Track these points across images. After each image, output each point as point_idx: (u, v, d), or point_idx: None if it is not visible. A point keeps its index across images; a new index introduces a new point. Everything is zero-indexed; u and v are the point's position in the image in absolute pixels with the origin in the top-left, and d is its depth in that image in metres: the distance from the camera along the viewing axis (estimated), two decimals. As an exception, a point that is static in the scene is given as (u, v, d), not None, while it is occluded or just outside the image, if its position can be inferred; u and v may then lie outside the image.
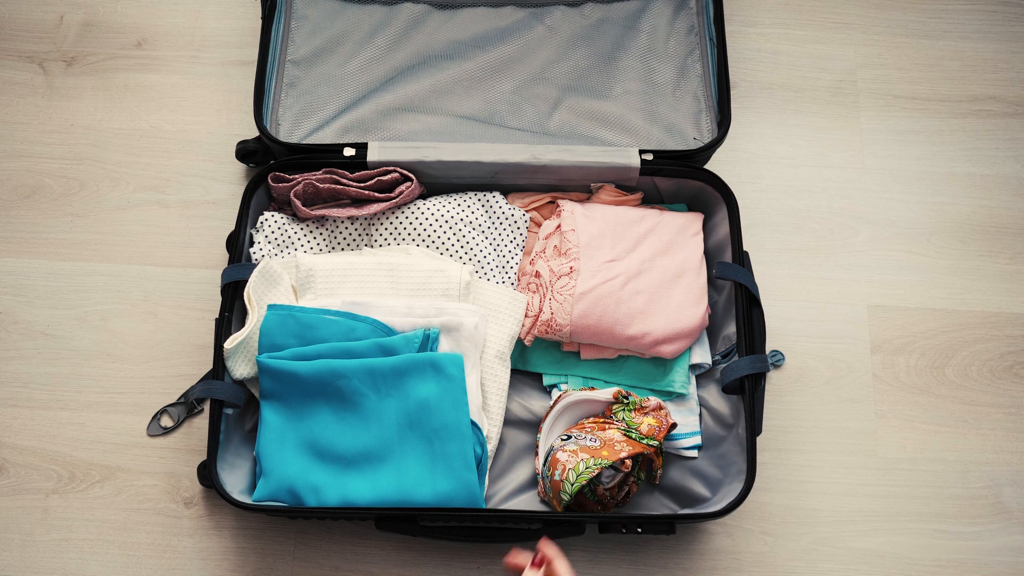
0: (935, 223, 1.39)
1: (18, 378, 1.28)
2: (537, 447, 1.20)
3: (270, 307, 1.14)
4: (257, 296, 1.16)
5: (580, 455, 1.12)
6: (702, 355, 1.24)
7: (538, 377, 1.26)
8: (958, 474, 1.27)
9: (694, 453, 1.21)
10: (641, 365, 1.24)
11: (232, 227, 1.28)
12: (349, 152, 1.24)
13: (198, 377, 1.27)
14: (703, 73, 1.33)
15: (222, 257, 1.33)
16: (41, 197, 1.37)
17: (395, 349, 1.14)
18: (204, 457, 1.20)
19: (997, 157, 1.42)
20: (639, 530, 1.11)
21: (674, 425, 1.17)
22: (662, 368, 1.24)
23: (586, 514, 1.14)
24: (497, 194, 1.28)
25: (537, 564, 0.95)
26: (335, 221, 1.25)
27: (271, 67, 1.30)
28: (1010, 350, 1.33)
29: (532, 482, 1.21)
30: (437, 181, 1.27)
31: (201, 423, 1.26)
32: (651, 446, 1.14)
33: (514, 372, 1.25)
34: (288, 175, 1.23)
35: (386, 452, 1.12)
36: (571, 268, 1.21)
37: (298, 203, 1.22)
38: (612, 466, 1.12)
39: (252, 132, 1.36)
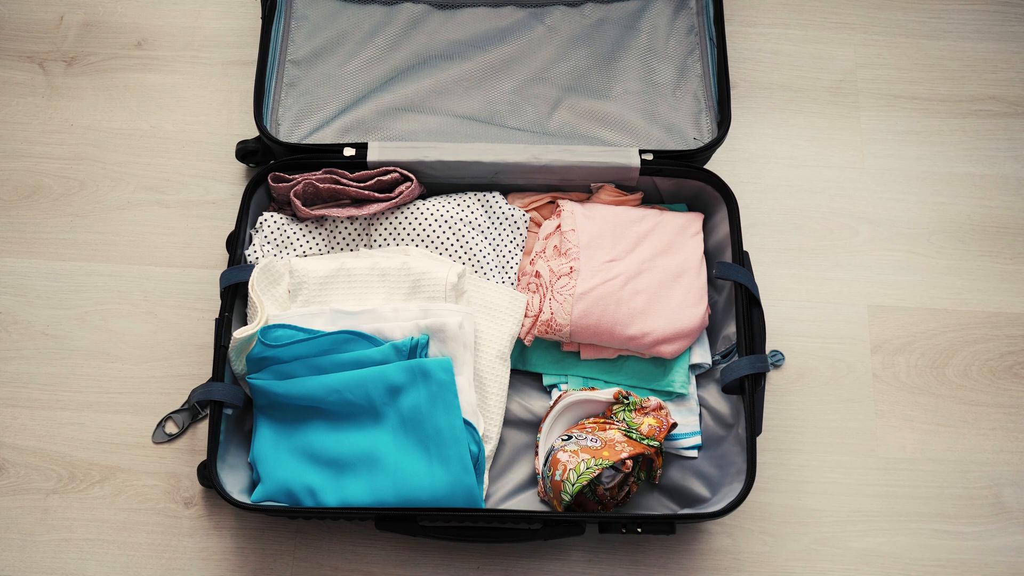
0: (935, 223, 1.39)
1: (18, 378, 1.28)
2: (537, 447, 1.20)
3: (260, 340, 1.14)
4: (261, 290, 1.17)
5: (581, 455, 1.12)
6: (702, 355, 1.24)
7: (538, 377, 1.26)
8: (958, 474, 1.27)
9: (694, 453, 1.21)
10: (641, 365, 1.24)
11: (232, 227, 1.28)
12: (349, 152, 1.24)
13: (198, 377, 1.27)
14: (703, 73, 1.33)
15: (222, 257, 1.33)
16: (41, 197, 1.37)
17: (385, 360, 1.14)
18: (204, 457, 1.21)
19: (997, 157, 1.42)
20: (639, 530, 1.11)
21: (674, 425, 1.17)
22: (662, 368, 1.23)
23: (586, 514, 1.13)
24: (497, 194, 1.28)
25: None
26: (335, 221, 1.25)
27: (271, 67, 1.30)
28: (1010, 350, 1.33)
29: (532, 482, 1.21)
30: (437, 181, 1.27)
31: (201, 424, 1.26)
32: (651, 446, 1.13)
33: (514, 372, 1.25)
34: (288, 175, 1.23)
35: (382, 456, 1.11)
36: (571, 268, 1.21)
37: (298, 203, 1.22)
38: (613, 466, 1.12)
39: (252, 132, 1.36)
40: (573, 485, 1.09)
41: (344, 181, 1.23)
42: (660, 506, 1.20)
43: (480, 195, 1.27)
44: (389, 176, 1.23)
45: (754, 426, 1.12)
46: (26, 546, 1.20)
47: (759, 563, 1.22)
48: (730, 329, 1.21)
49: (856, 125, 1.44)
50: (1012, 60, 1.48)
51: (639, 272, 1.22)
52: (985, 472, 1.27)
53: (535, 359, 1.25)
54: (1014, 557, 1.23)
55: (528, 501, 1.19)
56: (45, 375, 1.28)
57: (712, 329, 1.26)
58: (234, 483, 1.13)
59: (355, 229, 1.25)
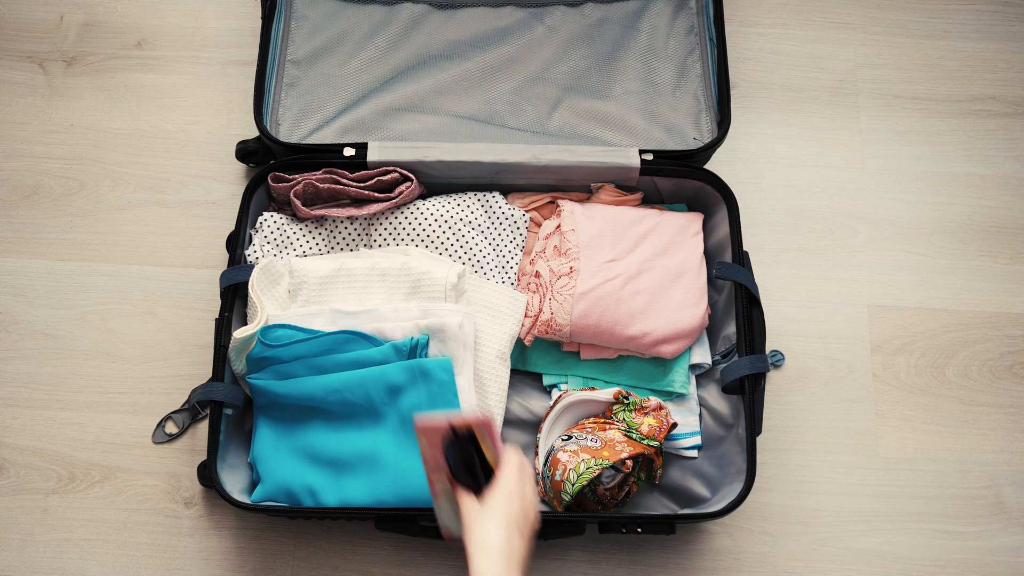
0: (935, 223, 1.39)
1: (18, 378, 1.28)
2: (537, 447, 1.20)
3: (260, 340, 1.14)
4: (261, 290, 1.17)
5: (581, 455, 1.12)
6: (702, 355, 1.24)
7: (538, 377, 1.26)
8: (958, 474, 1.27)
9: (694, 453, 1.21)
10: (641, 365, 1.24)
11: (232, 227, 1.28)
12: (349, 152, 1.24)
13: (198, 377, 1.27)
14: (703, 73, 1.33)
15: (222, 257, 1.33)
16: (41, 197, 1.37)
17: (385, 361, 1.14)
18: (204, 457, 1.20)
19: (997, 157, 1.42)
20: (639, 530, 1.11)
21: (674, 425, 1.17)
22: (662, 368, 1.23)
23: (586, 514, 1.13)
24: (497, 194, 1.28)
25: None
26: (335, 221, 1.25)
27: (271, 67, 1.30)
28: (1010, 350, 1.33)
29: (532, 482, 1.21)
30: (437, 181, 1.27)
31: (201, 424, 1.26)
32: (651, 446, 1.13)
33: (514, 372, 1.25)
34: (288, 175, 1.23)
35: (382, 456, 1.11)
36: (571, 268, 1.21)
37: (298, 203, 1.22)
38: (613, 466, 1.12)
39: (252, 132, 1.36)
40: (573, 485, 1.09)
41: (344, 181, 1.23)
42: (660, 506, 1.20)
43: (480, 195, 1.27)
44: (389, 176, 1.23)
45: (754, 426, 1.12)
46: (26, 546, 1.20)
47: (759, 563, 1.22)
48: (730, 329, 1.21)
49: (856, 125, 1.44)
50: (1012, 60, 1.47)
51: (639, 272, 1.22)
52: (985, 472, 1.27)
53: (535, 359, 1.25)
54: (1014, 557, 1.23)
55: (528, 501, 1.19)
56: (45, 375, 1.28)
57: (712, 329, 1.26)
58: (234, 483, 1.13)
59: (355, 229, 1.25)
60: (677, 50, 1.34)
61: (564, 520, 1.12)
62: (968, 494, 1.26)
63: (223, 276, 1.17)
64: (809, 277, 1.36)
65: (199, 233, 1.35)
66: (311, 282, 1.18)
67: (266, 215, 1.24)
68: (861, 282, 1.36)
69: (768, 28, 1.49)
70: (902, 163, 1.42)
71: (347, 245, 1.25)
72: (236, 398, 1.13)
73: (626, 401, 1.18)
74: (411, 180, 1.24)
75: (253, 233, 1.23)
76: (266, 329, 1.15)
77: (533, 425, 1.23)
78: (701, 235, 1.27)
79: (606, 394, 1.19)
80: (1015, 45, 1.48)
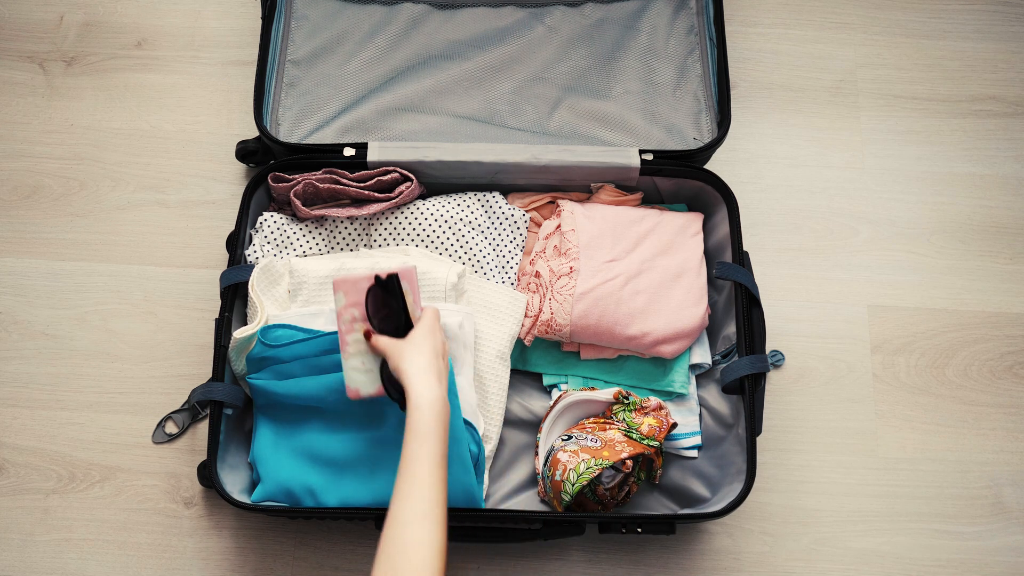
0: (935, 223, 1.39)
1: (18, 378, 1.28)
2: (537, 447, 1.20)
3: (260, 340, 1.14)
4: (261, 290, 1.17)
5: (581, 455, 1.12)
6: (702, 355, 1.24)
7: (538, 377, 1.26)
8: (958, 474, 1.27)
9: (694, 453, 1.21)
10: (641, 365, 1.24)
11: (232, 227, 1.28)
12: (349, 152, 1.24)
13: (198, 377, 1.27)
14: (703, 73, 1.33)
15: (222, 257, 1.33)
16: (41, 197, 1.37)
17: None
18: (204, 457, 1.21)
19: (997, 157, 1.42)
20: (639, 530, 1.11)
21: (674, 425, 1.17)
22: (662, 368, 1.23)
23: (586, 514, 1.13)
24: (497, 194, 1.28)
25: None
26: (335, 221, 1.25)
27: (271, 67, 1.30)
28: (1010, 350, 1.33)
29: (532, 482, 1.21)
30: (437, 181, 1.27)
31: (201, 424, 1.26)
32: (651, 446, 1.13)
33: (514, 372, 1.25)
34: (288, 175, 1.23)
35: (381, 457, 1.11)
36: (571, 268, 1.21)
37: (298, 203, 1.22)
38: (613, 466, 1.12)
39: (252, 132, 1.36)
40: (573, 485, 1.09)
41: (344, 181, 1.23)
42: (660, 506, 1.20)
43: (480, 195, 1.27)
44: (389, 176, 1.23)
45: (754, 426, 1.12)
46: (26, 546, 1.20)
47: (759, 563, 1.22)
48: (730, 329, 1.21)
49: (856, 125, 1.44)
50: (1012, 60, 1.47)
51: (639, 272, 1.22)
52: (985, 472, 1.27)
53: (535, 359, 1.25)
54: (1014, 557, 1.23)
55: (528, 501, 1.19)
56: (45, 375, 1.28)
57: (712, 329, 1.26)
58: (234, 483, 1.13)
59: (355, 229, 1.25)
60: (677, 50, 1.35)
61: (564, 520, 1.12)
62: (968, 494, 1.26)
63: (223, 276, 1.17)
64: (809, 277, 1.36)
65: (199, 233, 1.35)
66: (311, 282, 1.18)
67: (266, 215, 1.24)
68: (861, 282, 1.36)
69: (768, 28, 1.49)
70: (902, 163, 1.42)
71: (347, 245, 1.25)
72: (236, 398, 1.13)
73: (626, 401, 1.18)
74: (411, 180, 1.24)
75: (253, 233, 1.23)
76: (266, 329, 1.15)
77: (533, 425, 1.23)
78: (701, 235, 1.27)
79: (606, 394, 1.19)
80: (1015, 45, 1.48)
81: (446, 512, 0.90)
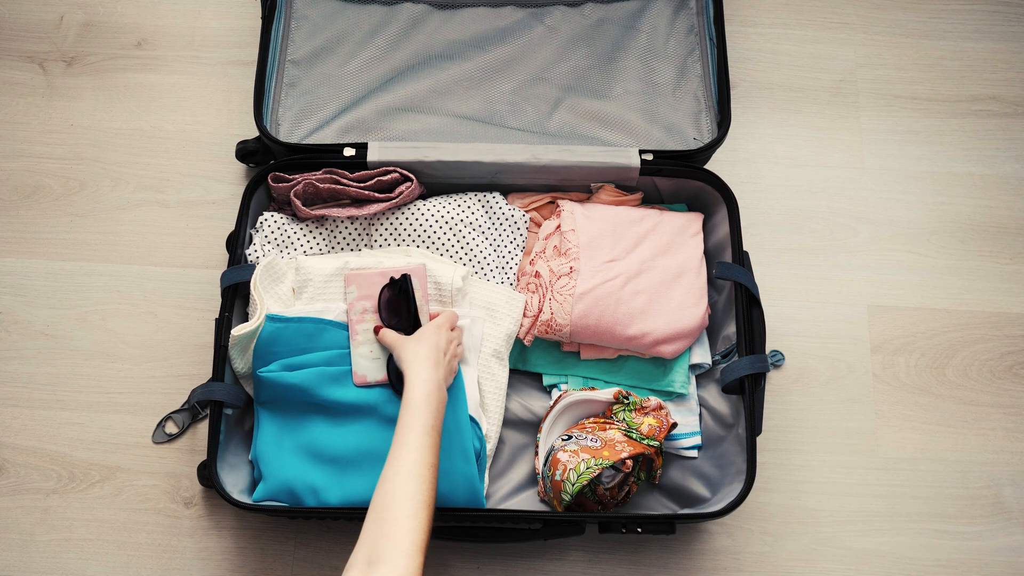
0: (935, 223, 1.39)
1: (18, 378, 1.28)
2: (537, 447, 1.20)
3: (268, 317, 1.14)
4: (263, 288, 1.17)
5: (581, 455, 1.12)
6: (702, 355, 1.24)
7: (538, 377, 1.26)
8: (958, 474, 1.27)
9: (694, 453, 1.21)
10: (641, 365, 1.24)
11: (232, 227, 1.28)
12: (349, 152, 1.24)
13: (198, 377, 1.27)
14: (703, 73, 1.33)
15: (222, 257, 1.33)
16: (41, 197, 1.37)
17: None
18: (204, 457, 1.21)
19: (997, 157, 1.42)
20: (639, 530, 1.11)
21: (674, 425, 1.17)
22: (662, 368, 1.24)
23: (586, 514, 1.14)
24: (497, 194, 1.28)
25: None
26: (335, 221, 1.25)
27: (271, 67, 1.30)
28: (1010, 350, 1.33)
29: (532, 481, 1.21)
30: (437, 181, 1.27)
31: (201, 424, 1.26)
32: (651, 446, 1.14)
33: (514, 372, 1.25)
34: (288, 175, 1.23)
35: (385, 452, 1.11)
36: (571, 268, 1.21)
37: (298, 203, 1.22)
38: (613, 466, 1.12)
39: (252, 132, 1.36)
40: (573, 485, 1.09)
41: (344, 181, 1.23)
42: (660, 506, 1.20)
43: (480, 195, 1.27)
44: (389, 176, 1.23)
45: (754, 426, 1.12)
46: (26, 546, 1.20)
47: (759, 563, 1.22)
48: (730, 329, 1.21)
49: (856, 125, 1.44)
50: (1012, 60, 1.48)
51: (639, 272, 1.22)
52: (985, 472, 1.27)
53: (535, 359, 1.25)
54: (1014, 557, 1.23)
55: (528, 501, 1.20)
56: (45, 375, 1.28)
57: (712, 329, 1.26)
58: (234, 483, 1.13)
59: (355, 229, 1.25)
60: (677, 50, 1.35)
61: (564, 520, 1.12)
62: (968, 494, 1.26)
63: (224, 276, 1.17)
64: (809, 277, 1.36)
65: (199, 233, 1.35)
66: (316, 279, 1.18)
67: (266, 215, 1.24)
68: (861, 282, 1.36)
69: (768, 28, 1.49)
70: (902, 163, 1.42)
71: (347, 245, 1.25)
72: (236, 398, 1.13)
73: (626, 401, 1.18)
74: (411, 180, 1.24)
75: (253, 233, 1.23)
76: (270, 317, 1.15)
77: (533, 425, 1.23)
78: (701, 235, 1.27)
79: (606, 394, 1.19)
80: (1015, 45, 1.48)
81: (435, 477, 0.94)
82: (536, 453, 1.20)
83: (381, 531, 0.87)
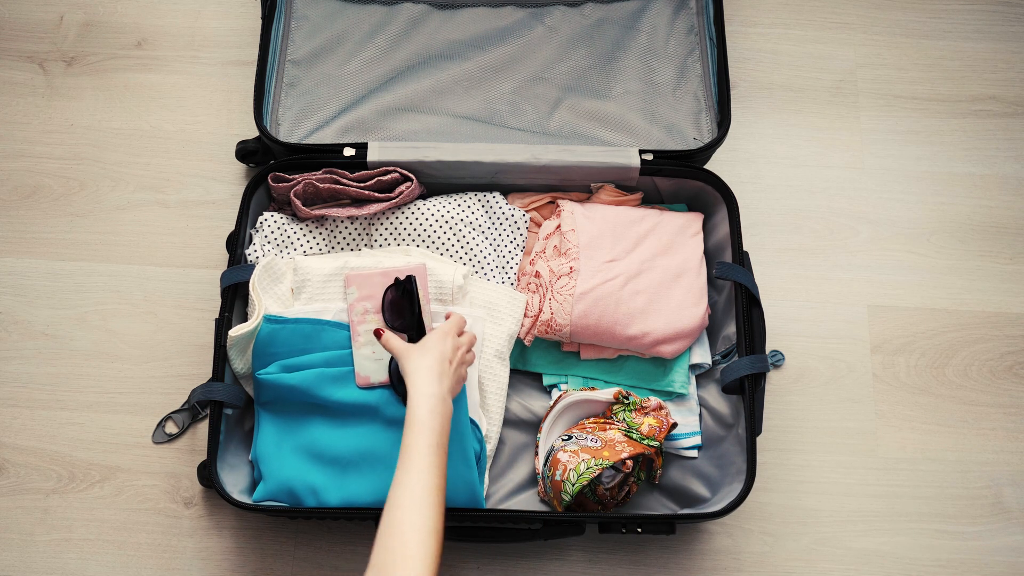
0: (935, 223, 1.39)
1: (18, 378, 1.28)
2: (537, 447, 1.20)
3: (266, 318, 1.14)
4: (262, 288, 1.17)
5: (581, 455, 1.12)
6: (702, 355, 1.24)
7: (538, 377, 1.26)
8: (958, 474, 1.27)
9: (694, 453, 1.21)
10: (641, 365, 1.24)
11: (232, 227, 1.28)
12: (349, 152, 1.24)
13: (198, 377, 1.27)
14: (703, 73, 1.33)
15: (222, 257, 1.33)
16: (41, 197, 1.37)
17: None
18: (204, 457, 1.21)
19: (997, 157, 1.43)
20: (639, 530, 1.12)
21: (674, 425, 1.17)
22: (662, 368, 1.24)
23: (586, 514, 1.14)
24: (497, 194, 1.28)
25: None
26: (335, 221, 1.25)
27: (271, 67, 1.30)
28: (1010, 350, 1.33)
29: (532, 481, 1.21)
30: (437, 181, 1.27)
31: (201, 424, 1.26)
32: (651, 446, 1.14)
33: (514, 372, 1.25)
34: (288, 175, 1.23)
35: (385, 456, 1.12)
36: (571, 268, 1.21)
37: (298, 203, 1.22)
38: (613, 466, 1.12)
39: (252, 132, 1.36)
40: (573, 485, 1.09)
41: (344, 181, 1.23)
42: (660, 506, 1.21)
43: (480, 195, 1.27)
44: (389, 176, 1.23)
45: (754, 426, 1.12)
46: (26, 546, 1.21)
47: (759, 563, 1.22)
48: (730, 329, 1.21)
49: (856, 125, 1.44)
50: (1012, 60, 1.48)
51: (639, 272, 1.22)
52: (985, 472, 1.27)
53: (535, 359, 1.25)
54: (1014, 557, 1.23)
55: (528, 501, 1.20)
56: (45, 375, 1.28)
57: (712, 329, 1.26)
58: (234, 483, 1.14)
59: (355, 229, 1.26)
60: (677, 50, 1.35)
61: (564, 520, 1.12)
62: (968, 494, 1.26)
63: (223, 276, 1.17)
64: (809, 277, 1.36)
65: (199, 233, 1.35)
66: (315, 280, 1.19)
67: (266, 215, 1.24)
68: (861, 282, 1.36)
69: (768, 28, 1.49)
70: (902, 163, 1.42)
71: (347, 245, 1.26)
72: (236, 398, 1.14)
73: (626, 401, 1.18)
74: (411, 180, 1.24)
75: (253, 233, 1.23)
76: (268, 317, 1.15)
77: (533, 425, 1.23)
78: (701, 235, 1.27)
79: (606, 394, 1.19)
80: (1015, 45, 1.49)
81: (443, 499, 0.92)
82: (536, 453, 1.20)
83: (392, 559, 0.86)
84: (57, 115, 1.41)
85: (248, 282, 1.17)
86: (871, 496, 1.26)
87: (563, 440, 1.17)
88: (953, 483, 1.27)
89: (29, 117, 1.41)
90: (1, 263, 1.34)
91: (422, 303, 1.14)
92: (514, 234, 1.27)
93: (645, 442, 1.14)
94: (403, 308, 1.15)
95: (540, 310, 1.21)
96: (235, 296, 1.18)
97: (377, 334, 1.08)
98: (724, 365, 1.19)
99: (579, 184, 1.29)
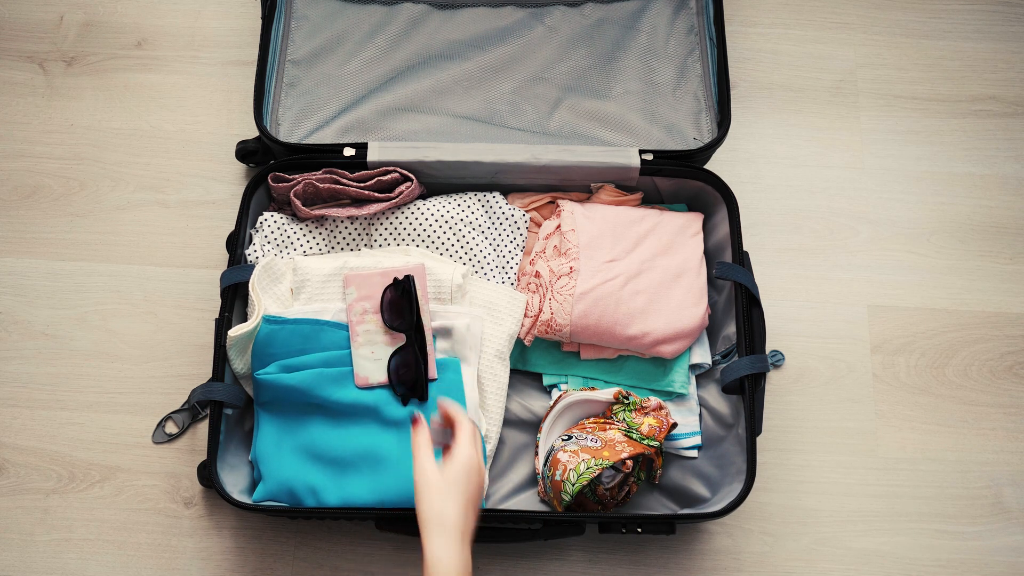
0: (935, 223, 1.39)
1: (18, 378, 1.28)
2: (537, 447, 1.20)
3: (265, 318, 1.15)
4: (261, 289, 1.17)
5: (581, 455, 1.12)
6: (702, 355, 1.25)
7: (538, 377, 1.26)
8: (958, 474, 1.27)
9: (694, 453, 1.22)
10: (641, 365, 1.25)
11: (232, 227, 1.29)
12: (349, 152, 1.24)
13: (198, 377, 1.27)
14: (703, 73, 1.33)
15: (222, 257, 1.33)
16: (41, 197, 1.37)
17: None
18: (204, 457, 1.21)
19: (997, 157, 1.43)
20: (639, 530, 1.12)
21: (674, 425, 1.18)
22: (662, 368, 1.24)
23: (586, 514, 1.14)
24: (497, 194, 1.28)
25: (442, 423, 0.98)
26: (335, 221, 1.26)
27: (271, 67, 1.30)
28: (1010, 350, 1.33)
29: (532, 481, 1.21)
30: (437, 181, 1.28)
31: (201, 424, 1.27)
32: (651, 446, 1.14)
33: (514, 372, 1.25)
34: (288, 175, 1.24)
35: (385, 454, 1.12)
36: (571, 268, 1.22)
37: (298, 203, 1.23)
38: (613, 466, 1.13)
39: (252, 132, 1.36)
40: (573, 485, 1.10)
41: (344, 181, 1.24)
42: (660, 506, 1.21)
43: (480, 195, 1.28)
44: (389, 176, 1.23)
45: (754, 426, 1.12)
46: (26, 546, 1.21)
47: (759, 563, 1.23)
48: (730, 329, 1.22)
49: (856, 125, 1.44)
50: (1012, 60, 1.48)
51: (639, 272, 1.23)
52: (985, 472, 1.27)
53: (535, 359, 1.26)
54: (1014, 557, 1.23)
55: (528, 501, 1.20)
56: (45, 375, 1.28)
57: (712, 329, 1.27)
58: (234, 483, 1.14)
59: (355, 229, 1.26)
60: (677, 50, 1.35)
61: (564, 520, 1.13)
62: (968, 494, 1.26)
63: (223, 276, 1.18)
64: (809, 277, 1.36)
65: (199, 233, 1.36)
66: (315, 280, 1.19)
67: (266, 215, 1.24)
68: (861, 282, 1.36)
69: (768, 28, 1.50)
70: (902, 163, 1.42)
71: (347, 245, 1.26)
72: (236, 398, 1.14)
73: (626, 401, 1.18)
74: (411, 180, 1.24)
75: (253, 233, 1.24)
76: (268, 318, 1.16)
77: (533, 425, 1.24)
78: (701, 235, 1.28)
79: (606, 394, 1.19)
80: (1015, 45, 1.49)
81: None
82: (536, 453, 1.21)
83: None
84: (57, 115, 1.41)
85: (248, 282, 1.17)
86: (871, 496, 1.26)
87: (563, 440, 1.17)
88: (953, 483, 1.27)
89: (29, 117, 1.41)
90: (1, 263, 1.34)
91: (420, 303, 1.15)
92: (514, 234, 1.28)
93: (645, 442, 1.14)
94: (402, 308, 1.15)
95: (540, 310, 1.22)
96: (235, 296, 1.18)
97: (413, 421, 0.95)
98: (724, 365, 1.19)
99: (579, 184, 1.29)
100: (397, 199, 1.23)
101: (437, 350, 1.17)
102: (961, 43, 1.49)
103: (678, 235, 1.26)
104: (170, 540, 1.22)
